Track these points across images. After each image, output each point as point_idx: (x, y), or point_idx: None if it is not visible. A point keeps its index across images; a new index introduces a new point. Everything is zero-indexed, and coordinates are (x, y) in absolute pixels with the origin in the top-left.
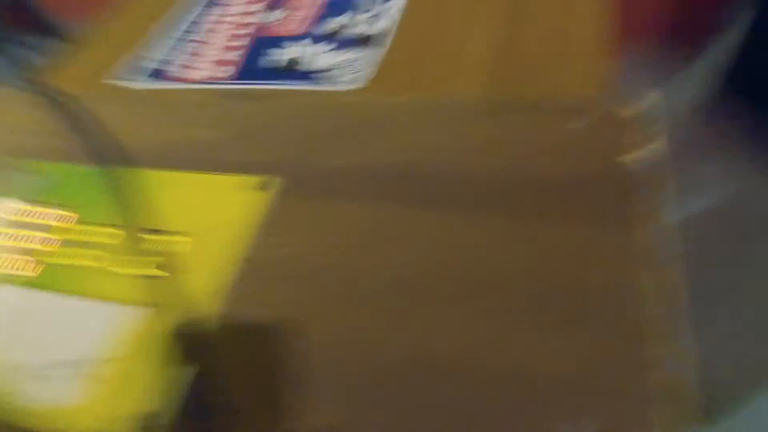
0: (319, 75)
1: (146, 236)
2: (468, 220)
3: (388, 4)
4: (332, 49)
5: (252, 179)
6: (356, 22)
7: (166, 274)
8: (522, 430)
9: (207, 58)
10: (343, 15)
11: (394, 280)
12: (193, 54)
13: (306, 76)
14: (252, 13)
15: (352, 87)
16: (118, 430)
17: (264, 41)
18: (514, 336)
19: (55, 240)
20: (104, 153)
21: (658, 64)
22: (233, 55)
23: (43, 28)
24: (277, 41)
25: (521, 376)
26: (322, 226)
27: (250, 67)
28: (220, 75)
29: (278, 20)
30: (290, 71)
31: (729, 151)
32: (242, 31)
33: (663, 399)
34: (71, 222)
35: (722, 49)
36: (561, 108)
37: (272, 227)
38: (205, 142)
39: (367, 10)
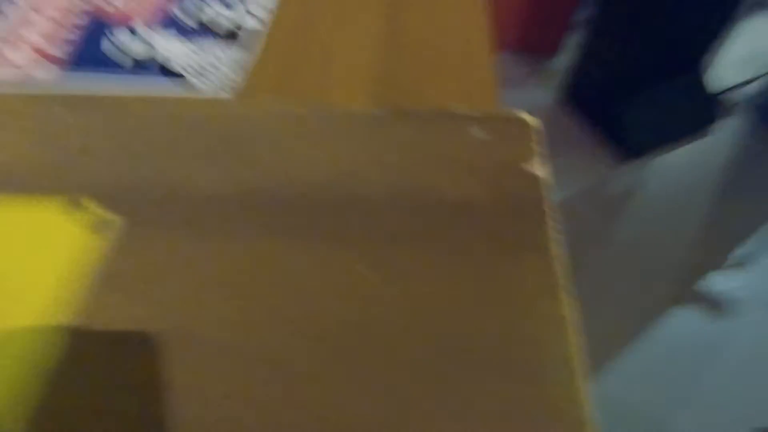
0: (176, 76)
1: None
2: (353, 256)
3: None
4: (192, 44)
5: (84, 217)
6: (220, 14)
7: None
8: None
9: (27, 45)
10: (205, 2)
11: (276, 349)
12: (9, 35)
13: (159, 75)
14: None
15: (218, 94)
16: None
17: (103, 27)
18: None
19: None
20: None
21: (512, 67)
22: (62, 43)
23: None
24: (121, 28)
25: None
26: (180, 272)
27: (85, 59)
28: (42, 71)
29: (124, 2)
30: (139, 68)
31: (585, 144)
32: (75, 12)
33: None
34: None
35: (563, 63)
36: (459, 116)
37: (112, 281)
38: (21, 160)
39: (233, 2)
